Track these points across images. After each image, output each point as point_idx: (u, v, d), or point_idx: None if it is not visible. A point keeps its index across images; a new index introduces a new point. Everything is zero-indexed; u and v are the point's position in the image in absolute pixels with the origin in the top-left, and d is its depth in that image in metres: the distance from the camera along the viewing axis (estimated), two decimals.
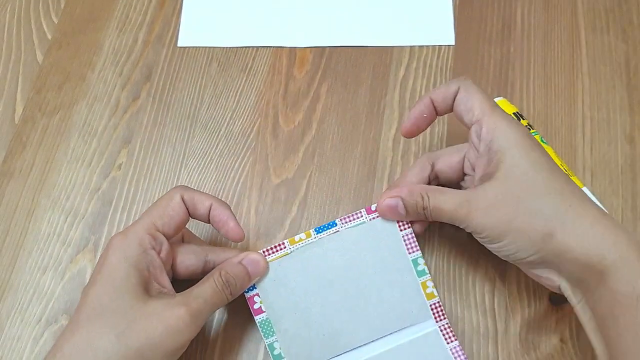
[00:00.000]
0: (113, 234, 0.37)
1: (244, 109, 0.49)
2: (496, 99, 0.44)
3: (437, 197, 0.37)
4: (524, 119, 0.43)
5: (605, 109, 0.47)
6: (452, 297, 0.41)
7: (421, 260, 0.39)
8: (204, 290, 0.36)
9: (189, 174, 0.47)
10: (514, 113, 0.43)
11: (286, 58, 0.51)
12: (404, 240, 0.39)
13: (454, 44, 0.50)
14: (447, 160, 0.40)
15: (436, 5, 0.52)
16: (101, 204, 0.46)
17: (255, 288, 0.39)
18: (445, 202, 0.36)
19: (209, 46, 0.52)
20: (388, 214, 0.39)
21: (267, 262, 0.39)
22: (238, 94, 0.50)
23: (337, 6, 0.53)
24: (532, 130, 0.43)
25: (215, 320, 0.42)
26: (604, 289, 0.32)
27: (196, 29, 0.53)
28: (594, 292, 0.32)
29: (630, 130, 0.46)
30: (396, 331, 0.39)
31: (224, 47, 0.52)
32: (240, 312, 0.39)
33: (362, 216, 0.39)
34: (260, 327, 0.38)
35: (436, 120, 0.47)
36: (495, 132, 0.35)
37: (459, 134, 0.46)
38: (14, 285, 0.44)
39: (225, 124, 0.49)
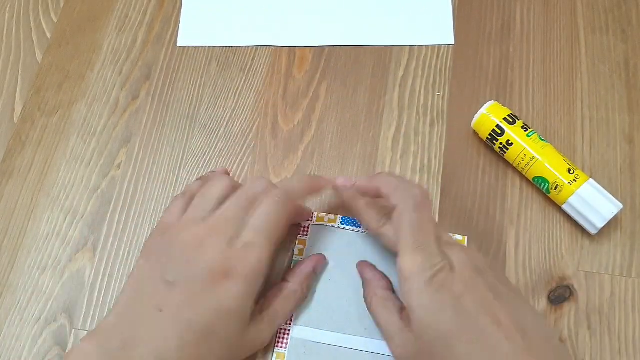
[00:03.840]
0: (238, 259, 0.35)
1: (244, 108, 0.49)
2: (487, 104, 0.44)
3: (378, 308, 0.38)
4: (519, 120, 0.43)
5: (604, 109, 0.47)
6: None
7: None
8: (286, 309, 0.39)
9: (188, 174, 0.47)
10: (507, 115, 0.43)
11: (286, 58, 0.51)
12: None
13: (453, 43, 0.50)
14: None
15: (436, 4, 0.52)
16: (100, 204, 0.46)
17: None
18: (381, 320, 0.37)
19: (209, 46, 0.52)
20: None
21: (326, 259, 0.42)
22: (237, 93, 0.50)
23: (337, 6, 0.53)
24: (529, 130, 0.43)
25: None
26: None
27: (196, 29, 0.53)
28: None
29: (630, 130, 0.46)
30: None
31: (223, 47, 0.52)
32: None
33: None
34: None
35: (436, 120, 0.47)
36: (406, 286, 0.33)
37: (460, 133, 0.46)
38: (13, 285, 0.44)
39: (225, 124, 0.49)
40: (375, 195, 0.38)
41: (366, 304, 0.39)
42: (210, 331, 0.33)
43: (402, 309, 0.36)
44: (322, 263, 0.41)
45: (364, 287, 0.40)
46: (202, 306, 0.33)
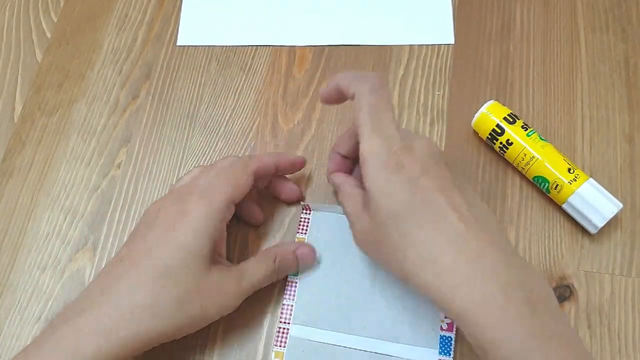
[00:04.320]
0: (195, 192, 0.37)
1: (244, 108, 0.49)
2: (487, 103, 0.44)
3: (343, 195, 0.37)
4: (518, 119, 0.43)
5: (604, 109, 0.47)
6: None
7: None
8: (256, 272, 0.38)
9: None
10: (507, 115, 0.43)
11: (286, 57, 0.51)
12: None
13: (453, 43, 0.50)
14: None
15: (436, 4, 0.52)
16: (100, 203, 0.46)
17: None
18: (345, 204, 0.37)
19: (209, 45, 0.52)
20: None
21: (316, 256, 0.41)
22: (237, 93, 0.50)
23: (337, 5, 0.53)
24: (529, 130, 0.43)
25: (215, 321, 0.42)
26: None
27: (196, 28, 0.53)
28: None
29: (630, 129, 0.46)
30: (400, 343, 0.39)
31: (223, 46, 0.52)
32: (240, 312, 0.39)
33: None
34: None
35: (435, 119, 0.47)
36: (364, 167, 0.33)
37: (459, 132, 0.46)
38: (12, 284, 0.44)
39: (225, 123, 0.49)
40: (338, 97, 0.37)
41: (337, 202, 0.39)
42: (167, 270, 0.34)
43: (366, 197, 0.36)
44: (307, 253, 0.41)
45: (336, 192, 0.39)
46: (159, 246, 0.35)
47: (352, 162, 0.41)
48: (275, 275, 0.39)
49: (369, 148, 0.33)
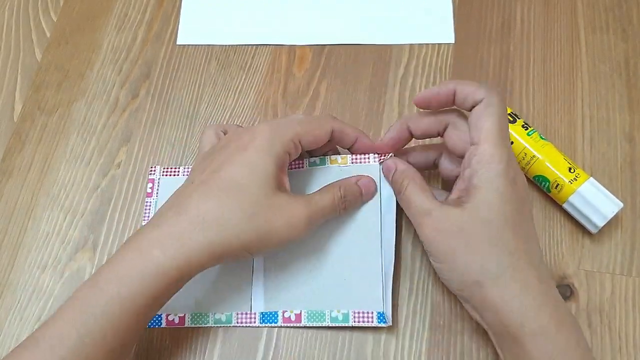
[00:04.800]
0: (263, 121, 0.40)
1: (243, 107, 0.49)
2: None
3: (413, 190, 0.38)
4: (519, 119, 0.43)
5: (604, 108, 0.47)
6: (452, 294, 0.41)
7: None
8: (323, 199, 0.39)
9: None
10: (508, 114, 0.43)
11: (285, 56, 0.51)
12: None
13: (453, 42, 0.50)
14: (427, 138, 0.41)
15: (436, 3, 0.52)
16: (100, 203, 0.46)
17: None
18: (415, 200, 0.37)
19: (208, 44, 0.52)
20: (383, 171, 0.41)
21: (377, 186, 0.41)
22: (237, 92, 0.50)
23: (337, 4, 0.53)
24: (529, 129, 0.43)
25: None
26: (522, 352, 0.33)
27: (195, 27, 0.52)
28: (510, 349, 0.34)
29: (630, 129, 0.46)
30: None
31: (223, 45, 0.51)
32: None
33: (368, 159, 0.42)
34: None
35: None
36: (484, 168, 0.35)
37: None
38: (12, 284, 0.44)
39: (225, 122, 0.48)
40: (446, 100, 0.38)
41: (395, 188, 0.40)
42: (234, 185, 0.36)
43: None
44: (368, 182, 0.41)
45: (393, 176, 0.40)
46: (227, 165, 0.36)
47: (408, 139, 0.41)
48: (341, 204, 0.39)
49: (496, 154, 0.35)
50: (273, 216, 0.36)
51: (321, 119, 0.40)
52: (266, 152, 0.37)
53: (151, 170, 0.46)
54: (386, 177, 0.41)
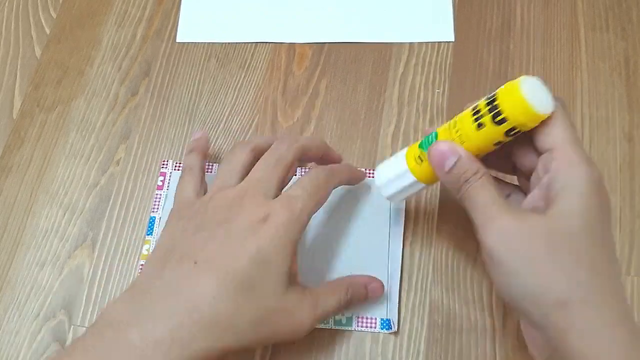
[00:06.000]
0: (279, 205, 0.34)
1: (243, 105, 0.49)
2: None
3: (485, 182, 0.32)
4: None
5: (604, 107, 0.47)
6: (450, 293, 0.41)
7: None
8: (329, 303, 0.36)
9: None
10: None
11: (285, 54, 0.51)
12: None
13: (453, 40, 0.50)
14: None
15: (436, 1, 0.51)
16: (99, 200, 0.46)
17: None
18: (485, 199, 0.32)
19: (208, 42, 0.52)
20: (433, 159, 0.34)
21: (384, 290, 0.40)
22: (237, 90, 0.50)
23: (337, 2, 0.52)
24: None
25: None
26: None
27: (195, 25, 0.52)
28: None
29: (629, 128, 0.46)
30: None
31: (222, 43, 0.51)
32: None
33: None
34: None
35: (435, 117, 0.47)
36: (565, 173, 0.31)
37: None
38: (11, 281, 0.44)
39: (224, 120, 0.48)
40: None
41: (454, 181, 0.33)
42: (248, 283, 0.32)
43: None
44: (378, 288, 0.40)
45: (454, 167, 0.33)
46: (239, 254, 0.33)
47: None
48: (346, 306, 0.38)
49: (582, 159, 0.31)
50: (278, 322, 0.33)
51: (328, 185, 0.38)
52: (285, 246, 0.33)
53: (163, 164, 0.46)
54: (438, 165, 0.33)
